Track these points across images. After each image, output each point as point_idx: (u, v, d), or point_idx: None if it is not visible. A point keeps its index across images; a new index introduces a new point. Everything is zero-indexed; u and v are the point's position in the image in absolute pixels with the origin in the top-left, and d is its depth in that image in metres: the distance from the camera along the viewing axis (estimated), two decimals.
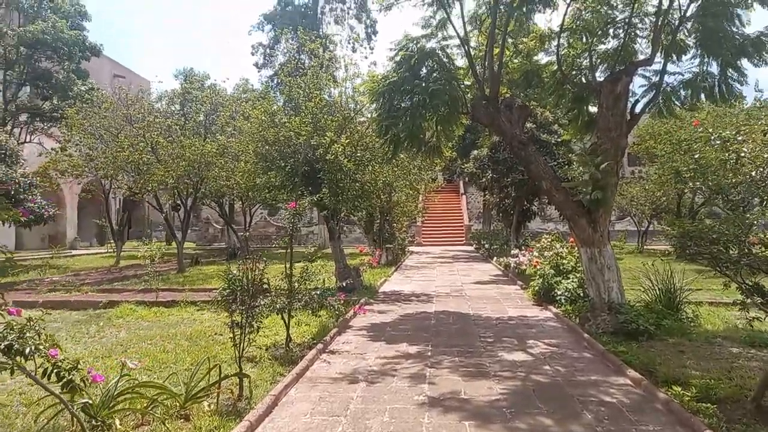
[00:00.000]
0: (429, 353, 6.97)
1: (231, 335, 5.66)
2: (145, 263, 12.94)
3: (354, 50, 37.59)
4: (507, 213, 21.36)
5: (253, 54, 35.80)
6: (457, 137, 24.55)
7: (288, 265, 7.65)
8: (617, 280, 8.64)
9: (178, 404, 4.88)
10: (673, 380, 5.70)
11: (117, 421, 4.31)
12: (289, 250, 7.78)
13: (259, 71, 34.68)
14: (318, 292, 7.29)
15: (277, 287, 7.67)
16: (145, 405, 4.70)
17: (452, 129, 10.60)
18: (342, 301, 7.61)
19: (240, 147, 12.73)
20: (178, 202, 19.06)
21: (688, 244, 5.06)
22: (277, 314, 7.24)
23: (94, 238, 37.10)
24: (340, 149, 9.51)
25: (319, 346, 7.15)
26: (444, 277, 16.49)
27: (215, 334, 8.29)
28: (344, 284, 12.50)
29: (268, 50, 32.74)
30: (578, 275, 10.40)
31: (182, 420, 4.72)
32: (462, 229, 35.04)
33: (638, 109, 8.80)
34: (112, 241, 37.52)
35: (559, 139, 17.77)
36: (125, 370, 4.68)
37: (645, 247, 27.53)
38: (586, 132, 10.28)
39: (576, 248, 10.09)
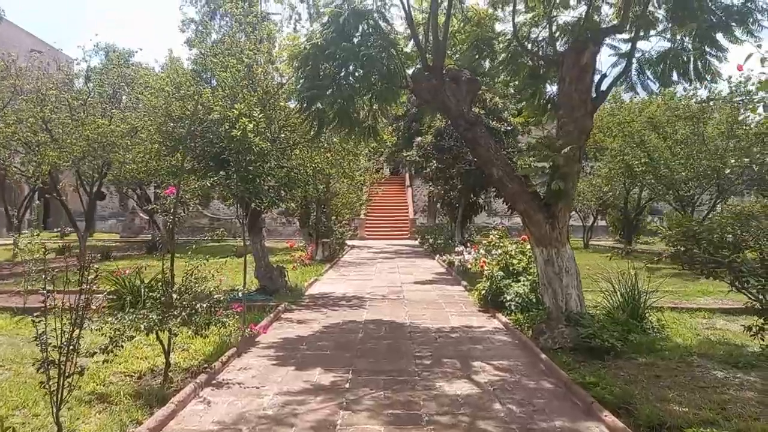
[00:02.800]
0: (347, 384, 5.38)
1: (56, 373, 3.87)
2: (22, 258, 10.73)
3: (296, 31, 35.20)
4: (452, 206, 20.06)
5: (183, 31, 32.98)
6: (401, 125, 22.86)
7: (167, 268, 5.91)
8: (577, 285, 7.36)
9: None
10: (660, 423, 4.39)
11: None
12: (169, 249, 6.04)
13: (190, 50, 31.79)
14: (205, 304, 5.55)
15: (154, 297, 5.94)
16: None
17: (389, 107, 9.07)
18: (237, 315, 5.90)
19: (139, 122, 10.68)
20: (87, 188, 16.67)
21: (692, 248, 3.68)
22: (147, 335, 5.51)
23: (3, 228, 33.40)
24: (250, 125, 7.75)
25: (203, 376, 5.42)
26: (383, 275, 14.98)
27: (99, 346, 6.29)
28: (262, 287, 10.80)
29: (200, 27, 30.06)
30: (530, 278, 9.12)
31: None
32: (407, 223, 33.71)
33: (605, 85, 7.51)
34: (25, 231, 33.99)
35: (510, 128, 16.57)
36: None
37: (590, 242, 27.06)
38: (543, 114, 8.95)
39: (530, 247, 8.79)
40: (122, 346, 5.18)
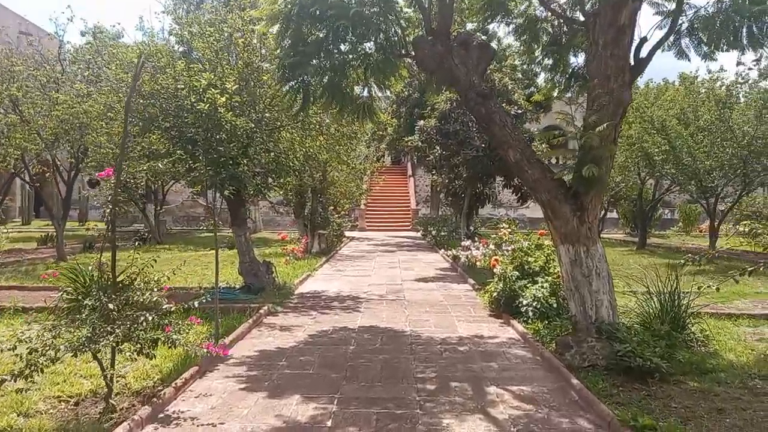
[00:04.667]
0: (329, 421, 4.21)
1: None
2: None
3: None
4: (457, 196, 18.82)
5: (175, 8, 31.71)
6: (402, 111, 21.43)
7: (106, 267, 4.76)
8: (609, 290, 6.17)
9: None
10: None
11: None
12: (110, 243, 4.88)
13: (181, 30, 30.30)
14: (150, 316, 4.38)
15: (91, 306, 4.74)
16: None
17: (388, 82, 7.84)
18: (194, 325, 4.73)
19: (108, 99, 9.49)
20: (63, 175, 15.46)
21: None
22: (75, 356, 4.35)
23: None
24: (221, 99, 6.56)
25: (146, 409, 4.26)
26: (382, 271, 13.82)
27: (11, 371, 4.95)
28: (247, 284, 9.66)
29: (191, 7, 28.68)
30: (550, 278, 7.95)
31: None
32: (409, 214, 32.57)
33: (646, 51, 6.25)
34: (17, 219, 32.85)
35: (520, 111, 15.30)
36: None
37: (601, 235, 25.86)
38: (565, 89, 7.75)
39: (550, 243, 7.63)
40: (42, 371, 4.07)
